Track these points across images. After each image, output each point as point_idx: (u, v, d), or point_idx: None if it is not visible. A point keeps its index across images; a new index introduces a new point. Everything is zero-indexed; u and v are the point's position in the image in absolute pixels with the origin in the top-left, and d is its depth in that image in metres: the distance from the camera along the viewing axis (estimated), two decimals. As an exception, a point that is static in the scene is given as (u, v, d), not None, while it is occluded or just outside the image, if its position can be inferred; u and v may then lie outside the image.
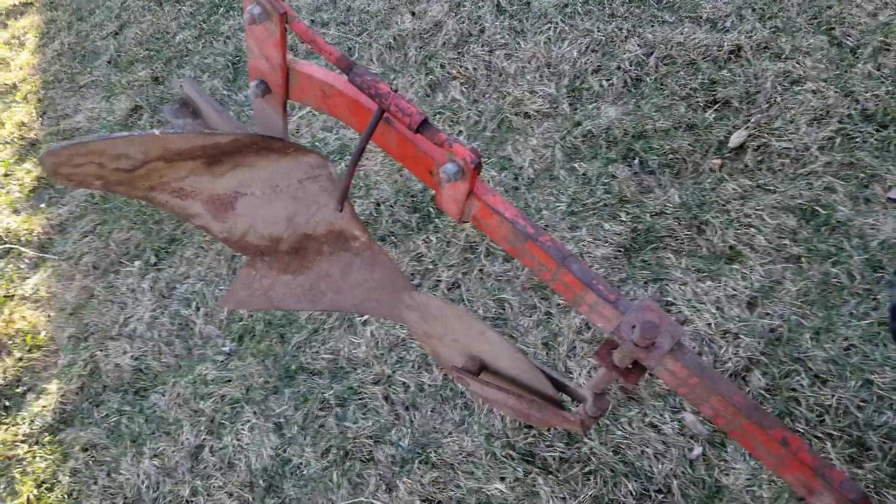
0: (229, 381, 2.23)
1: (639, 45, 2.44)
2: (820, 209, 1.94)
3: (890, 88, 2.06)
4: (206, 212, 1.50)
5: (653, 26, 2.48)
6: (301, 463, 2.01)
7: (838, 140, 2.03)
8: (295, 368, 2.20)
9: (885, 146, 1.98)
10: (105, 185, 1.42)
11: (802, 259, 1.88)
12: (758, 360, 1.76)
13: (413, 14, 2.90)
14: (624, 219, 2.11)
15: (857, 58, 2.15)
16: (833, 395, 1.65)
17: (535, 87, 2.47)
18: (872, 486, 1.55)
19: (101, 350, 2.40)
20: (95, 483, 2.13)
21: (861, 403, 1.64)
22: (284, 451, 2.04)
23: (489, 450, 1.87)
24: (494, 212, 1.22)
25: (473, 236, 2.21)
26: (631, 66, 2.41)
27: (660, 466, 1.71)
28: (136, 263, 2.58)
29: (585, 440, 1.80)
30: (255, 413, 2.13)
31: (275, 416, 2.11)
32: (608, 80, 2.41)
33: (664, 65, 2.36)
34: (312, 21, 3.09)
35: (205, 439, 2.14)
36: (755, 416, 1.14)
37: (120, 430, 2.24)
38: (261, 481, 2.01)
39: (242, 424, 2.12)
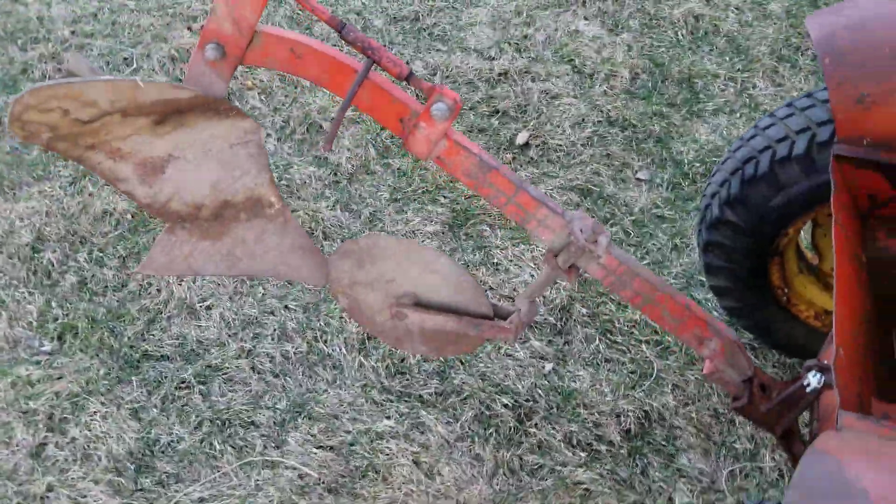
0: (60, 377, 2.08)
1: (423, 67, 2.86)
2: (593, 188, 2.50)
3: (622, 103, 2.74)
4: (135, 176, 1.56)
5: (430, 53, 2.93)
6: (171, 440, 1.97)
7: (595, 139, 2.63)
8: (138, 357, 2.14)
9: (628, 142, 2.64)
10: (51, 140, 1.45)
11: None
12: (575, 297, 2.22)
13: (190, 29, 3.00)
14: (443, 202, 2.47)
15: (594, 81, 2.82)
16: (637, 313, 2.17)
17: (337, 98, 2.74)
18: (677, 369, 2.07)
19: None
20: None
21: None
22: (149, 433, 1.98)
23: (368, 397, 2.05)
24: (462, 148, 1.48)
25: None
26: (426, 75, 2.82)
27: (523, 383, 2.05)
28: None
29: (452, 375, 2.08)
30: (102, 403, 2.02)
31: (127, 404, 2.03)
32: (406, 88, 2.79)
33: (449, 82, 2.81)
34: (73, 32, 3.01)
35: (46, 436, 1.97)
36: (666, 289, 1.55)
37: (-77, 446, 1.95)
38: (128, 464, 1.93)
39: (90, 416, 2.00)
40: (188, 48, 2.92)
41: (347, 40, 1.42)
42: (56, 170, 2.56)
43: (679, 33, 3.02)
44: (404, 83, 1.44)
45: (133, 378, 2.09)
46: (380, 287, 1.68)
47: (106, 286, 2.29)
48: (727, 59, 2.92)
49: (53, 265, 2.32)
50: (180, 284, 2.27)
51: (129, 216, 2.44)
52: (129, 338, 2.17)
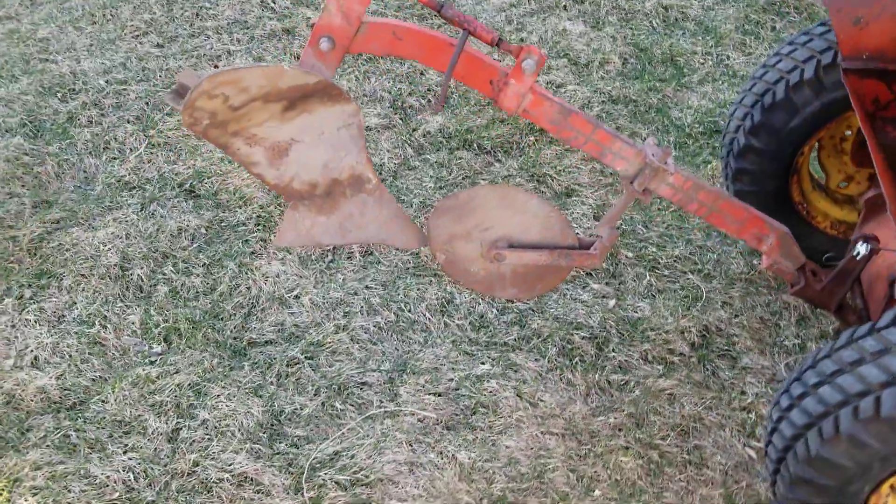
0: (177, 371, 2.27)
1: (436, 80, 3.17)
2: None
3: (619, 83, 3.09)
4: (265, 159, 1.82)
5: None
6: (295, 409, 2.18)
7: (604, 115, 2.97)
8: (244, 345, 2.35)
9: (633, 115, 2.98)
10: (208, 126, 1.69)
11: (611, 186, 2.73)
12: (618, 245, 2.52)
13: (216, 66, 3.25)
14: (483, 182, 2.77)
15: (590, 69, 3.17)
16: (677, 249, 2.48)
17: (364, 110, 3.03)
18: (722, 289, 2.39)
19: (4, 382, 2.22)
20: (70, 491, 2.00)
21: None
22: (273, 406, 2.19)
23: (459, 350, 2.30)
24: (545, 98, 1.78)
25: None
26: (436, 86, 3.12)
27: (593, 318, 2.34)
28: (7, 301, 2.43)
29: (529, 321, 2.35)
30: (223, 387, 2.22)
31: (246, 385, 2.24)
32: (423, 99, 3.09)
33: (464, 90, 3.13)
34: (107, 81, 3.23)
35: (178, 422, 2.16)
36: (726, 197, 1.86)
37: (70, 442, 2.11)
38: (261, 434, 2.13)
39: (214, 399, 2.20)
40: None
41: (446, 17, 1.71)
42: (123, 199, 2.76)
43: (653, 22, 3.41)
44: (496, 48, 1.74)
45: (245, 364, 2.29)
46: (476, 236, 1.95)
47: (197, 292, 2.49)
48: (700, 38, 3.31)
49: (143, 280, 2.52)
50: (266, 281, 2.49)
51: (202, 230, 2.66)
52: (230, 331, 2.38)
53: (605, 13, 3.47)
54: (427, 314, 2.39)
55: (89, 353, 2.32)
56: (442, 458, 2.04)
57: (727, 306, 2.35)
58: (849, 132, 2.24)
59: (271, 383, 2.25)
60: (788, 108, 2.09)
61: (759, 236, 1.92)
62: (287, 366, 2.28)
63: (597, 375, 2.20)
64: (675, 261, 2.48)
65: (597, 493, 1.96)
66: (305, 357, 2.30)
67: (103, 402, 2.20)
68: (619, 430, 2.08)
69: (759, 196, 2.25)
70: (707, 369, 2.21)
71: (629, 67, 3.20)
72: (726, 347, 2.25)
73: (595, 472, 2.00)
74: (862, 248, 1.82)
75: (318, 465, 2.05)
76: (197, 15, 3.55)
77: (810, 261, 1.99)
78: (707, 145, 2.84)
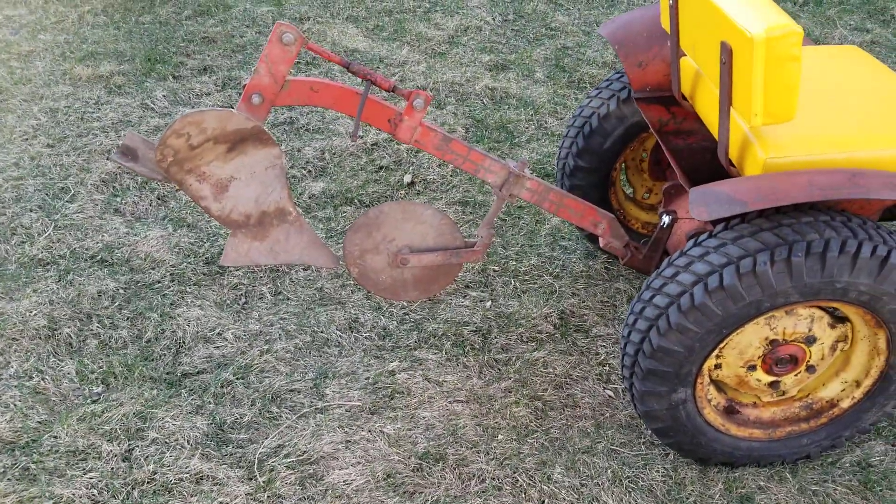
0: (121, 405, 2.53)
1: (313, 151, 3.69)
2: (468, 199, 3.43)
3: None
4: (211, 194, 2.23)
5: (314, 141, 3.77)
6: (236, 419, 2.50)
7: (457, 176, 3.59)
8: (179, 377, 2.65)
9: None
10: (170, 165, 2.11)
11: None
12: (486, 263, 3.09)
13: (108, 159, 3.59)
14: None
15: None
16: (532, 260, 3.08)
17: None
18: (569, 285, 2.98)
19: (-46, 432, 2.38)
20: (39, 509, 2.19)
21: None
22: (215, 419, 2.49)
23: (370, 355, 2.72)
24: (431, 129, 2.34)
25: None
26: (314, 159, 3.63)
27: (475, 316, 2.84)
28: (-59, 366, 2.59)
29: (425, 326, 2.82)
30: (166, 411, 2.51)
31: (186, 407, 2.53)
32: (303, 168, 3.59)
33: (336, 158, 3.65)
34: (4, 179, 3.48)
35: (130, 444, 2.41)
36: (569, 195, 2.47)
37: (30, 473, 2.31)
38: (209, 441, 2.42)
39: (161, 421, 2.48)
40: (113, 172, 3.51)
41: (353, 72, 2.24)
42: (39, 274, 3.00)
43: (484, 100, 4.14)
44: (392, 93, 2.28)
45: (182, 391, 2.59)
46: (383, 248, 2.43)
47: (125, 342, 2.77)
48: (522, 109, 4.07)
49: (72, 337, 2.76)
50: (189, 324, 2.81)
51: (121, 291, 2.95)
52: (163, 368, 2.67)
53: (444, 96, 4.16)
54: (338, 332, 2.80)
55: (32, 401, 2.53)
56: (372, 434, 2.43)
57: (575, 296, 2.94)
58: (645, 154, 2.96)
59: (210, 402, 2.55)
60: (602, 134, 2.77)
61: (595, 222, 2.54)
62: (222, 387, 2.60)
63: (485, 357, 2.69)
64: (531, 268, 3.06)
65: (500, 437, 2.42)
66: (237, 378, 2.63)
67: (55, 437, 2.41)
68: (510, 391, 2.56)
69: (588, 207, 2.90)
70: (568, 341, 2.76)
71: (471, 134, 3.86)
72: (580, 324, 2.83)
73: (496, 422, 2.46)
74: (666, 219, 2.47)
75: (265, 457, 2.37)
76: (82, 118, 3.89)
77: (632, 241, 2.63)
78: (542, 185, 3.51)
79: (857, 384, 2.22)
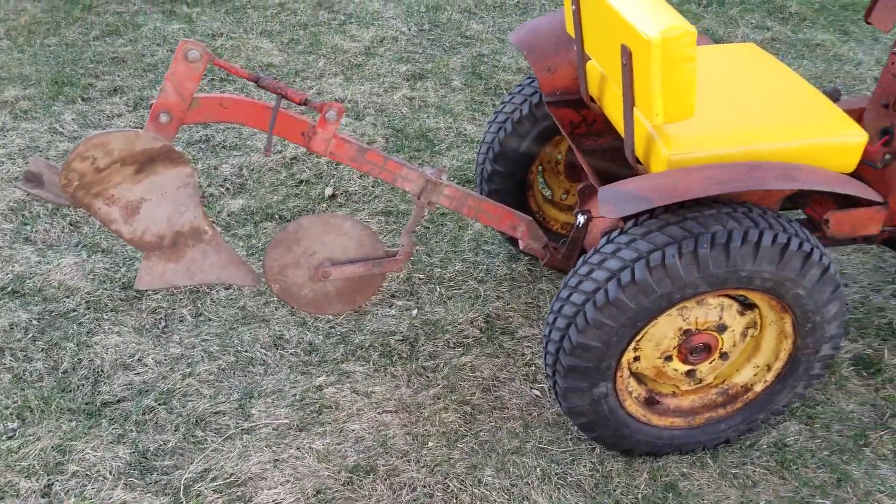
0: (38, 439, 2.45)
1: (230, 168, 3.64)
2: (391, 209, 3.44)
3: (386, 155, 3.75)
4: (121, 217, 2.19)
5: (231, 158, 3.71)
6: (159, 445, 2.44)
7: (379, 186, 3.59)
8: (98, 406, 2.57)
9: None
10: (76, 189, 2.06)
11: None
12: (412, 271, 3.09)
13: (16, 187, 3.47)
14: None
15: (361, 148, 3.81)
16: (457, 266, 3.10)
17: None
18: (493, 289, 3.01)
19: None
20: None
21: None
22: (138, 447, 2.43)
23: (297, 371, 2.69)
24: (345, 141, 2.33)
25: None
26: (232, 176, 3.58)
27: (402, 325, 2.84)
28: None
29: (352, 338, 2.81)
30: (86, 442, 2.43)
31: (107, 437, 2.46)
32: (221, 185, 3.54)
33: (255, 174, 3.61)
34: None
35: (49, 479, 2.33)
36: (487, 200, 2.49)
37: (-59, 516, 2.21)
38: (132, 471, 2.36)
39: (81, 453, 2.40)
40: (22, 200, 3.39)
41: (263, 86, 2.21)
42: (-55, 309, 2.88)
43: (402, 110, 4.15)
44: (304, 106, 2.27)
45: (103, 421, 2.51)
46: (304, 262, 2.41)
47: (40, 374, 2.68)
48: (441, 117, 4.09)
49: (-17, 372, 2.66)
50: (107, 352, 2.74)
51: (34, 322, 2.85)
52: (82, 398, 2.59)
53: (362, 107, 4.16)
54: (263, 350, 2.76)
55: (-60, 443, 2.42)
56: (300, 451, 2.41)
57: (500, 299, 2.97)
58: (560, 156, 3.02)
59: (132, 430, 2.49)
60: (517, 138, 2.81)
61: (513, 225, 2.57)
62: (143, 414, 2.54)
63: (413, 365, 2.70)
64: (456, 274, 3.08)
65: (430, 444, 2.42)
66: (159, 403, 2.57)
67: (-33, 478, 2.32)
68: (439, 397, 2.57)
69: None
70: (495, 344, 2.79)
71: (391, 143, 3.87)
72: (505, 326, 2.86)
73: (426, 430, 2.46)
74: (581, 219, 2.52)
75: (191, 483, 2.32)
76: (-15, 145, 3.75)
77: (551, 241, 2.68)
78: (463, 191, 3.54)
79: (769, 368, 2.30)
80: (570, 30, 2.45)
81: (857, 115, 2.65)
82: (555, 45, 2.66)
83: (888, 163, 2.49)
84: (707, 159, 2.10)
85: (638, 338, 2.16)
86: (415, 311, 2.92)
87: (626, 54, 2.00)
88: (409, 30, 4.98)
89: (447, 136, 3.96)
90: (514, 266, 3.14)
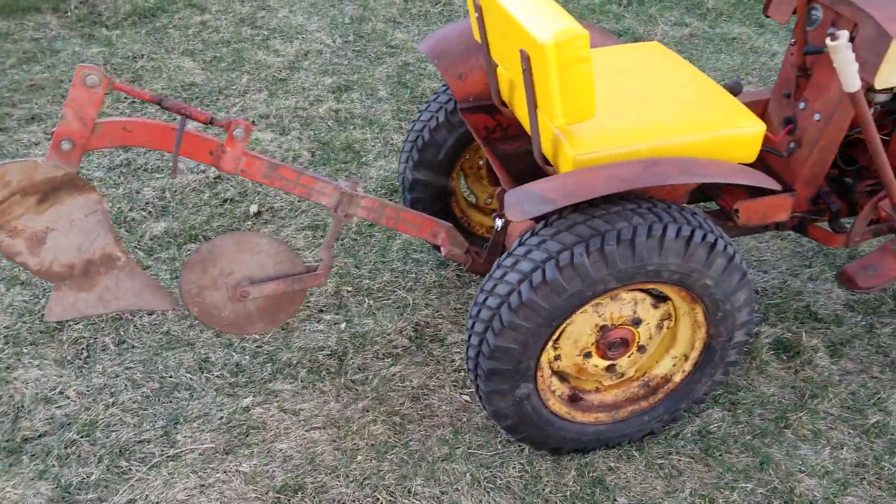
0: (-47, 482, 2.37)
1: (153, 191, 3.58)
2: (318, 223, 3.42)
3: (313, 171, 3.73)
4: (26, 249, 2.14)
5: (154, 181, 3.66)
6: (82, 479, 2.38)
7: (305, 201, 3.56)
8: (18, 443, 2.50)
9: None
10: None
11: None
12: (340, 284, 3.08)
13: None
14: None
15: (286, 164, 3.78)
16: (387, 277, 3.09)
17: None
18: (422, 297, 3.01)
19: None
20: None
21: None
22: (60, 482, 2.37)
23: (223, 394, 2.66)
24: (256, 158, 2.31)
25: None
26: (154, 199, 3.53)
27: (330, 340, 2.83)
28: None
29: (279, 356, 2.78)
30: (6, 480, 2.36)
31: (28, 474, 2.39)
32: (143, 209, 3.48)
33: (179, 196, 3.56)
34: None
35: (-34, 521, 2.26)
36: (406, 209, 2.49)
37: None
38: (55, 506, 2.30)
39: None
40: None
41: (166, 107, 2.18)
42: None
43: (328, 123, 4.14)
44: (210, 125, 2.25)
45: (23, 457, 2.44)
46: (222, 282, 2.38)
47: (-45, 413, 2.60)
48: (368, 128, 4.09)
49: None
50: (27, 387, 2.67)
51: (-52, 360, 2.77)
52: (2, 436, 2.51)
53: (287, 122, 4.13)
54: (188, 375, 2.72)
55: None
56: (227, 475, 2.37)
57: (429, 306, 2.97)
58: (481, 161, 3.03)
59: (54, 465, 2.42)
60: (435, 146, 2.82)
61: (434, 233, 2.58)
62: (66, 447, 2.47)
63: (342, 379, 2.68)
64: (384, 284, 3.07)
65: (359, 458, 2.41)
66: (82, 436, 2.51)
67: None
68: (368, 410, 2.56)
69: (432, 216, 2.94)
70: (424, 352, 2.79)
71: (317, 157, 3.85)
72: (435, 334, 2.86)
73: (355, 444, 2.45)
74: (499, 222, 2.54)
75: (116, 515, 2.28)
76: None
77: (473, 246, 2.69)
78: (391, 201, 3.54)
79: (686, 358, 2.34)
80: (477, 36, 2.47)
81: (762, 106, 2.72)
82: (464, 52, 2.67)
83: (793, 151, 2.56)
84: (612, 157, 2.13)
85: (556, 337, 2.18)
86: (343, 325, 2.90)
87: (525, 59, 2.02)
88: (334, 42, 4.97)
89: (374, 146, 3.95)
90: (442, 273, 3.15)
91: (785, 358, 2.73)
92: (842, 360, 2.72)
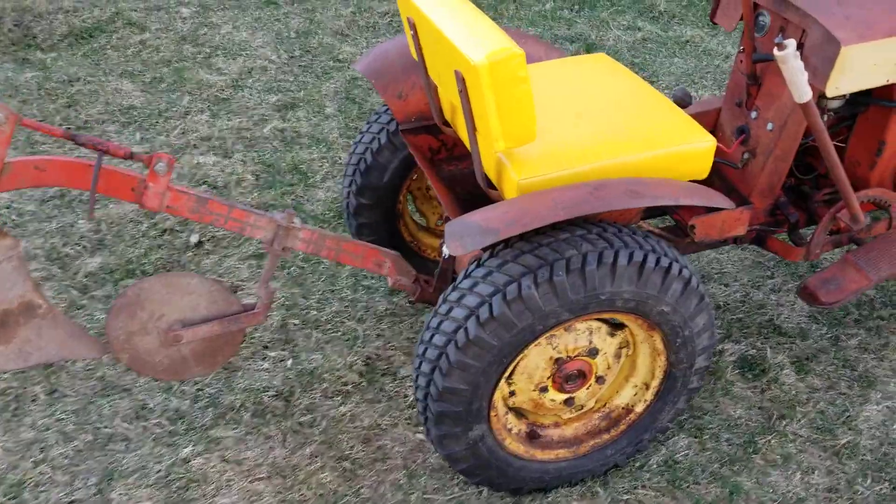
0: None
1: (86, 224, 3.39)
2: (264, 253, 3.26)
3: (257, 194, 3.56)
4: None
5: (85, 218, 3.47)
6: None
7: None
8: (-63, 511, 2.32)
9: (273, 216, 3.45)
10: None
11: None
12: (286, 316, 2.92)
13: None
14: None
15: (229, 189, 3.61)
16: (334, 307, 2.94)
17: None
18: (373, 327, 2.87)
19: None
20: None
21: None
22: None
23: (161, 444, 2.49)
24: (182, 192, 2.15)
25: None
26: (89, 232, 3.34)
27: (276, 379, 2.67)
28: None
29: (221, 399, 2.62)
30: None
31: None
32: (77, 244, 3.29)
33: (115, 228, 3.38)
34: None
35: None
36: (347, 239, 2.35)
37: None
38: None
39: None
40: None
41: (80, 143, 2.01)
42: None
43: (274, 143, 3.98)
44: (130, 161, 2.09)
45: (-58, 526, 2.26)
46: (152, 327, 2.21)
47: None
48: (315, 148, 3.94)
49: None
50: (-53, 446, 2.48)
51: None
52: (-82, 503, 2.33)
53: (231, 144, 3.97)
54: (124, 424, 2.54)
55: None
56: (166, 535, 2.21)
57: (381, 337, 2.83)
58: (429, 182, 2.90)
59: (-21, 533, 2.24)
60: (379, 169, 2.68)
61: (379, 262, 2.44)
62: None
63: (289, 422, 2.53)
64: (333, 315, 2.93)
65: (308, 509, 2.26)
66: (9, 498, 2.32)
67: None
68: (316, 456, 2.41)
69: (380, 243, 2.78)
70: (376, 387, 2.64)
71: (262, 181, 3.69)
72: (387, 367, 2.72)
73: (302, 494, 2.30)
74: (446, 250, 2.40)
75: (43, 586, 2.10)
76: None
77: (421, 274, 2.55)
78: (340, 224, 3.39)
79: (647, 386, 2.23)
80: (415, 54, 2.34)
81: (714, 117, 2.62)
82: (403, 70, 2.54)
83: (747, 162, 2.47)
84: (558, 180, 2.01)
85: (509, 372, 2.05)
86: (289, 362, 2.75)
87: (461, 80, 1.90)
88: (279, 58, 4.81)
89: (321, 166, 3.80)
90: (394, 300, 3.00)
91: (750, 377, 2.63)
92: (808, 376, 2.62)
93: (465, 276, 1.98)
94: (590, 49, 4.78)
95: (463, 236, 1.83)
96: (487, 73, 1.77)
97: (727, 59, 4.60)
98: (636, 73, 4.47)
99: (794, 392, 2.56)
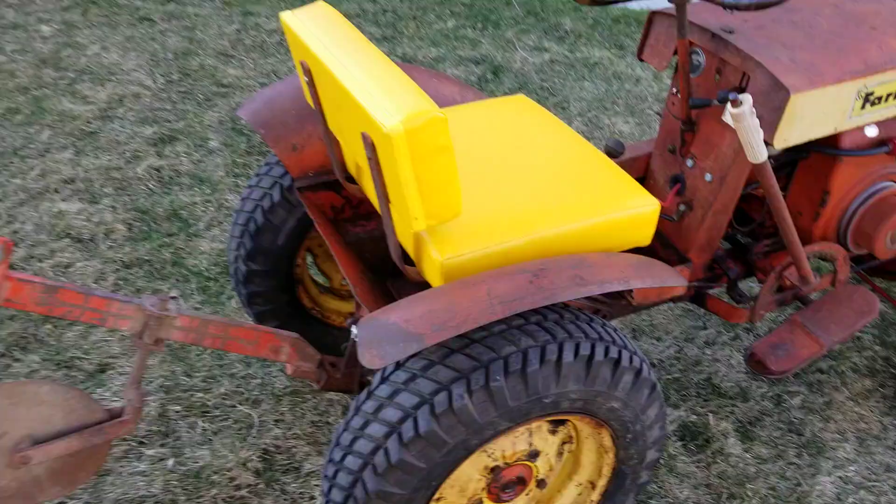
0: None
1: None
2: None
3: (130, 248, 3.10)
4: None
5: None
6: None
7: (121, 283, 2.95)
8: None
9: (149, 276, 3.00)
10: None
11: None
12: (165, 402, 2.50)
13: None
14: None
15: (96, 242, 3.14)
16: (223, 388, 2.53)
17: None
18: (272, 410, 2.48)
19: None
20: None
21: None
22: None
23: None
24: (26, 281, 1.72)
25: None
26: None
27: (154, 486, 2.25)
28: None
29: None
30: None
31: None
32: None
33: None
34: None
35: None
36: (235, 323, 1.96)
37: None
38: None
39: None
40: None
41: None
42: None
43: (149, 185, 3.52)
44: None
45: None
46: (-5, 452, 1.78)
47: None
48: (197, 189, 3.50)
49: None
50: None
51: None
52: None
53: (98, 186, 3.48)
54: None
55: None
56: None
57: (280, 423, 2.45)
58: (332, 238, 2.54)
59: None
60: (272, 230, 2.29)
61: (276, 348, 2.06)
62: None
63: (172, 541, 2.12)
64: (223, 398, 2.52)
65: None
66: None
67: None
68: (206, 584, 2.01)
69: (276, 313, 2.42)
70: (275, 489, 2.26)
71: (135, 231, 3.23)
72: (288, 462, 2.34)
73: None
74: (356, 330, 2.05)
75: None
76: None
77: (327, 355, 2.19)
78: (227, 283, 2.98)
79: (593, 485, 1.95)
80: (311, 101, 1.98)
81: (644, 163, 2.39)
82: (297, 119, 2.18)
83: (683, 214, 2.24)
84: (488, 258, 1.70)
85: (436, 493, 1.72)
86: (171, 462, 2.32)
87: (370, 146, 1.56)
88: (155, 83, 4.32)
89: (206, 211, 3.37)
90: (294, 373, 2.62)
91: (694, 448, 2.40)
92: (754, 444, 2.42)
93: (383, 380, 1.64)
94: (496, 72, 4.51)
95: (381, 343, 1.49)
96: (404, 143, 1.43)
97: (638, 83, 4.43)
98: (546, 98, 4.26)
99: (741, 465, 2.35)
